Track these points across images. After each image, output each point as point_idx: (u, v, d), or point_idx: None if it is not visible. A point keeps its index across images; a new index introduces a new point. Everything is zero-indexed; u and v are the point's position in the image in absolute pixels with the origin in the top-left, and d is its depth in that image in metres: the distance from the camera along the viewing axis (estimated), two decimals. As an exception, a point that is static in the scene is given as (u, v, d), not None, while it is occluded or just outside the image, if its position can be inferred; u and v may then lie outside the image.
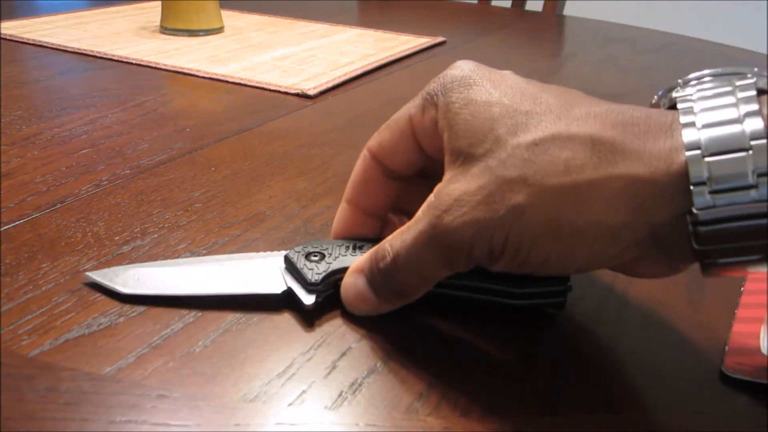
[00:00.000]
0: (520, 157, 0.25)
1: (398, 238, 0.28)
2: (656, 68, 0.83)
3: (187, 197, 0.42)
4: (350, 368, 0.27)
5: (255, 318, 0.30)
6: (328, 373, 0.27)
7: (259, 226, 0.39)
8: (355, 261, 0.30)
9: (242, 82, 0.67)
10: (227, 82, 0.67)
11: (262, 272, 0.32)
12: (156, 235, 0.37)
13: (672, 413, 0.26)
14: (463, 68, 0.29)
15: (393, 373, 0.27)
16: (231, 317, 0.30)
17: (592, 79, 0.76)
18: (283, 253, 0.32)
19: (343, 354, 0.28)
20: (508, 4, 1.32)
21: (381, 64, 0.76)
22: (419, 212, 0.27)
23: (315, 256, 0.31)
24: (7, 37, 0.80)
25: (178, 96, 0.63)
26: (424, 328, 0.30)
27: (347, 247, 0.32)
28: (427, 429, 0.24)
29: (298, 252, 0.31)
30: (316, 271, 0.30)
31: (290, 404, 0.25)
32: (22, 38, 0.80)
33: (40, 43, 0.78)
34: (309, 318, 0.30)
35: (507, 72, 0.29)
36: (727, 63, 0.88)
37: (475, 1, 1.31)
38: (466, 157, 0.26)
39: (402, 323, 0.30)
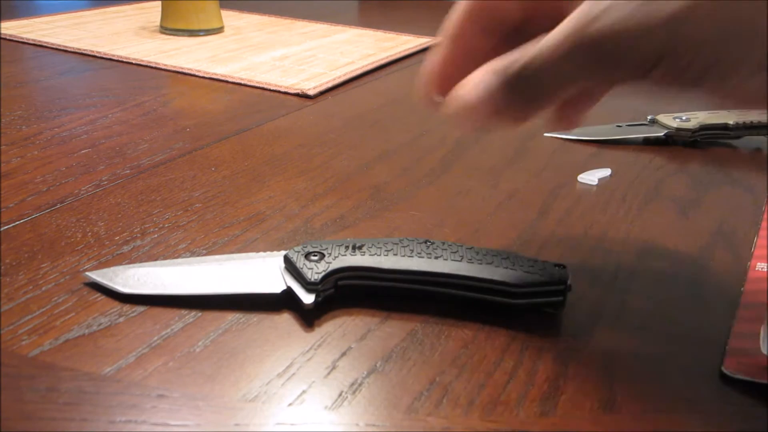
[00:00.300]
0: None
1: (538, 44, 0.25)
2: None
3: (187, 197, 0.42)
4: (350, 368, 0.27)
5: (255, 318, 0.30)
6: (328, 373, 0.27)
7: (259, 226, 0.39)
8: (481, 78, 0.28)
9: (242, 82, 0.67)
10: (227, 82, 0.67)
11: (261, 272, 0.32)
12: (156, 235, 0.37)
13: (672, 413, 0.26)
14: None
15: (393, 373, 0.27)
16: (231, 317, 0.30)
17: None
18: (283, 252, 0.32)
19: (344, 354, 0.28)
20: (508, 4, 1.32)
21: (381, 64, 0.76)
22: (563, 23, 0.24)
23: (315, 255, 0.31)
24: (7, 37, 0.80)
25: (178, 96, 0.63)
26: (424, 327, 0.30)
27: (347, 247, 0.32)
28: (427, 429, 0.24)
29: (298, 252, 0.31)
30: (315, 271, 0.30)
31: (290, 404, 0.25)
32: (22, 38, 0.80)
33: (40, 43, 0.78)
34: (309, 318, 0.30)
35: None
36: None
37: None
38: None
39: (402, 323, 0.30)
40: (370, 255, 0.31)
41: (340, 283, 0.31)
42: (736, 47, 0.23)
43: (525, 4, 0.29)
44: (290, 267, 0.31)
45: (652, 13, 0.22)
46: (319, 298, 0.30)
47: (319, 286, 0.30)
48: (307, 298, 0.30)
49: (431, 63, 0.31)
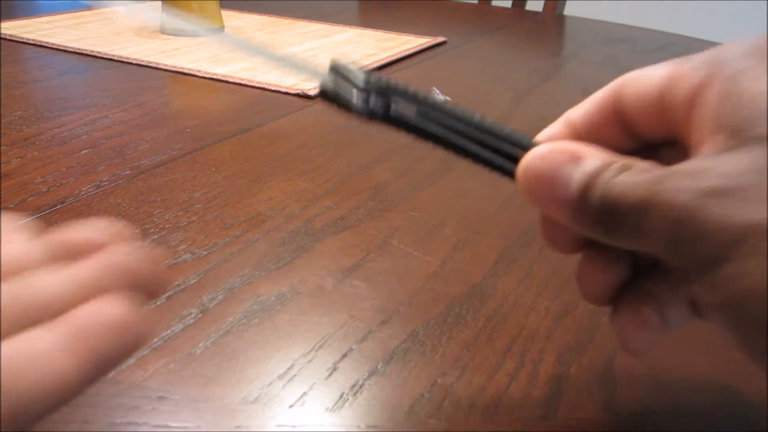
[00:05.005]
0: None
1: (635, 176, 0.20)
2: (657, 68, 0.83)
3: (188, 198, 0.42)
4: (351, 369, 0.27)
5: (256, 319, 0.30)
6: (329, 375, 0.27)
7: (260, 227, 0.39)
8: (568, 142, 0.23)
9: (243, 82, 0.67)
10: (228, 82, 0.67)
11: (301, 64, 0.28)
12: (156, 236, 0.37)
13: (672, 414, 0.26)
14: (759, 42, 0.23)
15: (394, 375, 0.27)
16: (231, 318, 0.30)
17: (592, 79, 0.76)
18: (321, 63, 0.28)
19: (344, 355, 0.28)
20: (508, 4, 1.32)
21: (381, 64, 0.76)
22: (677, 167, 0.20)
23: (364, 72, 0.27)
24: (7, 37, 0.80)
25: (179, 96, 0.63)
26: (425, 329, 0.30)
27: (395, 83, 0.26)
28: (428, 431, 0.24)
29: (344, 64, 0.27)
30: (369, 79, 0.26)
31: (291, 406, 0.25)
32: (22, 38, 0.79)
33: (40, 43, 0.78)
34: (309, 319, 0.30)
35: None
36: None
37: (475, 1, 1.31)
38: (739, 136, 0.20)
39: (403, 324, 0.30)
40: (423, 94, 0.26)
41: (392, 113, 0.26)
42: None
43: (620, 138, 0.25)
44: (337, 76, 0.27)
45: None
46: (374, 107, 0.26)
47: (371, 95, 0.26)
48: (359, 101, 0.26)
49: (552, 128, 0.26)
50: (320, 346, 0.28)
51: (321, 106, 0.62)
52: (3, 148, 0.48)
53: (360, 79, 0.26)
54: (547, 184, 0.22)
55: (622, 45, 0.96)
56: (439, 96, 0.64)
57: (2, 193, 0.41)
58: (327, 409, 0.25)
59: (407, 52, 0.82)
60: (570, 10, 1.30)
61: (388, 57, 0.79)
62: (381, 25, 0.98)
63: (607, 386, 0.27)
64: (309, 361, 0.28)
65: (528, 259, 0.36)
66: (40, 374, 0.17)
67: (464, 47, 0.90)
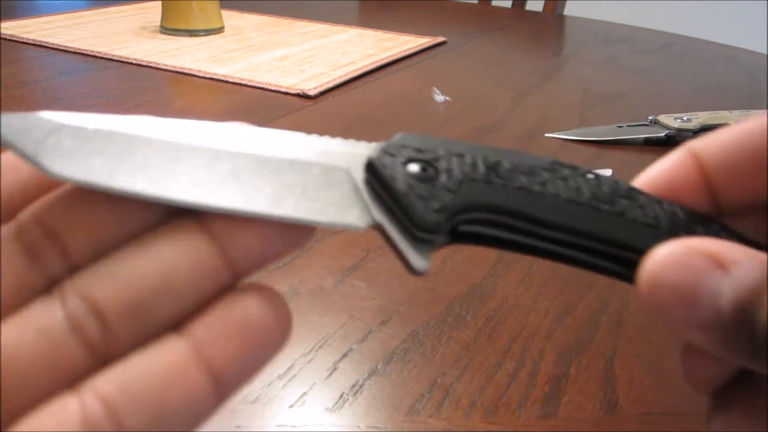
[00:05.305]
0: None
1: None
2: (656, 68, 0.83)
3: (188, 198, 0.42)
4: (351, 369, 0.27)
5: (256, 319, 0.30)
6: (329, 375, 0.27)
7: (260, 226, 0.38)
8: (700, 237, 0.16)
9: (242, 82, 0.67)
10: (227, 82, 0.67)
11: (323, 182, 0.17)
12: (156, 236, 0.37)
13: (674, 414, 0.26)
14: None
15: (394, 375, 0.27)
16: (232, 318, 0.30)
17: (592, 79, 0.76)
18: (355, 153, 0.18)
19: (344, 355, 0.28)
20: (508, 4, 1.32)
21: (381, 64, 0.76)
22: None
23: (419, 165, 0.17)
24: (7, 37, 0.80)
25: (179, 96, 0.63)
26: (425, 329, 0.30)
27: (473, 163, 0.17)
28: (428, 430, 0.24)
29: (387, 155, 0.17)
30: (431, 204, 0.16)
31: (291, 406, 0.25)
32: (22, 38, 0.79)
33: (40, 43, 0.78)
34: (309, 319, 0.30)
35: None
36: (727, 63, 0.88)
37: (475, 1, 1.31)
38: None
39: (403, 325, 0.30)
40: (518, 189, 0.17)
41: (462, 228, 0.17)
42: None
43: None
44: (378, 183, 0.17)
45: None
46: (435, 248, 0.17)
47: (439, 233, 0.16)
48: (419, 260, 0.17)
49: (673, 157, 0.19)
50: (320, 346, 0.29)
51: (321, 106, 0.62)
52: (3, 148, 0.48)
53: (416, 204, 0.16)
54: (684, 303, 0.15)
55: (622, 45, 0.96)
56: (439, 96, 0.64)
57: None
58: (327, 409, 0.25)
59: (407, 52, 0.82)
60: (570, 10, 1.30)
61: (387, 57, 0.79)
62: (381, 25, 0.98)
63: (607, 386, 0.27)
64: (309, 361, 0.28)
65: (528, 259, 0.36)
66: (167, 396, 0.13)
67: (464, 47, 0.90)
